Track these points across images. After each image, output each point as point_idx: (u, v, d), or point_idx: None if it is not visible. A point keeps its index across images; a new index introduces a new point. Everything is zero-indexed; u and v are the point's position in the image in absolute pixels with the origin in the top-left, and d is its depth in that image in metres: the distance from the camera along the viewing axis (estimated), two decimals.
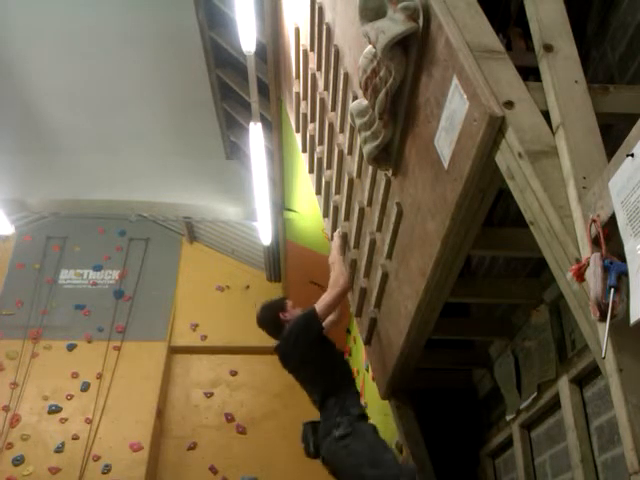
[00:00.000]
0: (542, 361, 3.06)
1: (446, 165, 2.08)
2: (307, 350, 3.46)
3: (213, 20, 5.88)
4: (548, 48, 1.84)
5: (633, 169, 1.30)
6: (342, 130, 3.54)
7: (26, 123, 7.16)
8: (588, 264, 1.40)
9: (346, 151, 3.50)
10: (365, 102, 2.52)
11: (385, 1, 2.16)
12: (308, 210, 6.25)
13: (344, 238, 3.78)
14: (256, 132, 5.82)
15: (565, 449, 2.83)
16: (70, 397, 8.72)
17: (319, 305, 3.52)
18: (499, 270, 3.60)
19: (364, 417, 3.39)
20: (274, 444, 8.54)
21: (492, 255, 3.60)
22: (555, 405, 2.97)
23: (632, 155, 1.31)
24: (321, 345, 3.51)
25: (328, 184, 4.09)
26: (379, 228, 3.10)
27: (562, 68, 1.81)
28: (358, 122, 2.62)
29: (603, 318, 1.34)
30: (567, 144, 1.64)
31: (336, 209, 3.97)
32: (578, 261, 1.47)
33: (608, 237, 1.39)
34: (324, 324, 3.56)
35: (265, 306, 3.79)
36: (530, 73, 2.09)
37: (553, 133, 1.72)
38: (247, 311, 9.34)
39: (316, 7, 3.59)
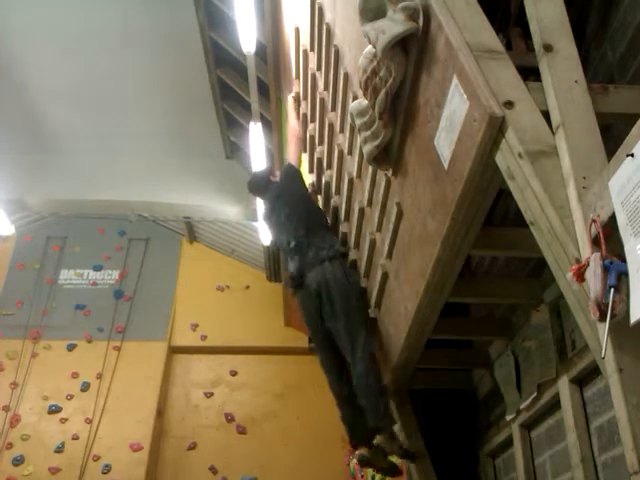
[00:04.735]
0: (542, 361, 3.06)
1: (446, 165, 2.08)
2: (300, 185, 4.18)
3: (213, 20, 5.87)
4: (548, 48, 1.84)
5: (633, 169, 1.30)
6: (342, 130, 3.54)
7: (26, 123, 7.15)
8: (588, 264, 1.40)
9: (346, 151, 3.49)
10: (365, 102, 2.52)
11: (385, 1, 2.16)
12: None
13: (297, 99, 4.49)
14: (256, 132, 5.82)
15: (565, 449, 2.83)
16: (70, 397, 8.71)
17: (290, 159, 4.51)
18: (499, 270, 3.60)
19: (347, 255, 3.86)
20: (274, 444, 8.53)
21: (492, 255, 3.59)
22: (555, 405, 2.97)
23: (632, 155, 1.31)
24: (306, 187, 4.28)
25: (328, 184, 4.09)
26: (379, 228, 3.10)
27: (562, 68, 1.81)
28: (358, 122, 2.62)
29: (603, 318, 1.34)
30: (567, 144, 1.64)
31: (336, 209, 3.97)
32: (578, 261, 1.47)
33: (608, 237, 1.39)
34: None
35: (257, 173, 4.70)
36: (530, 73, 2.09)
37: (553, 133, 1.72)
38: (247, 311, 9.38)
39: (316, 7, 3.59)
